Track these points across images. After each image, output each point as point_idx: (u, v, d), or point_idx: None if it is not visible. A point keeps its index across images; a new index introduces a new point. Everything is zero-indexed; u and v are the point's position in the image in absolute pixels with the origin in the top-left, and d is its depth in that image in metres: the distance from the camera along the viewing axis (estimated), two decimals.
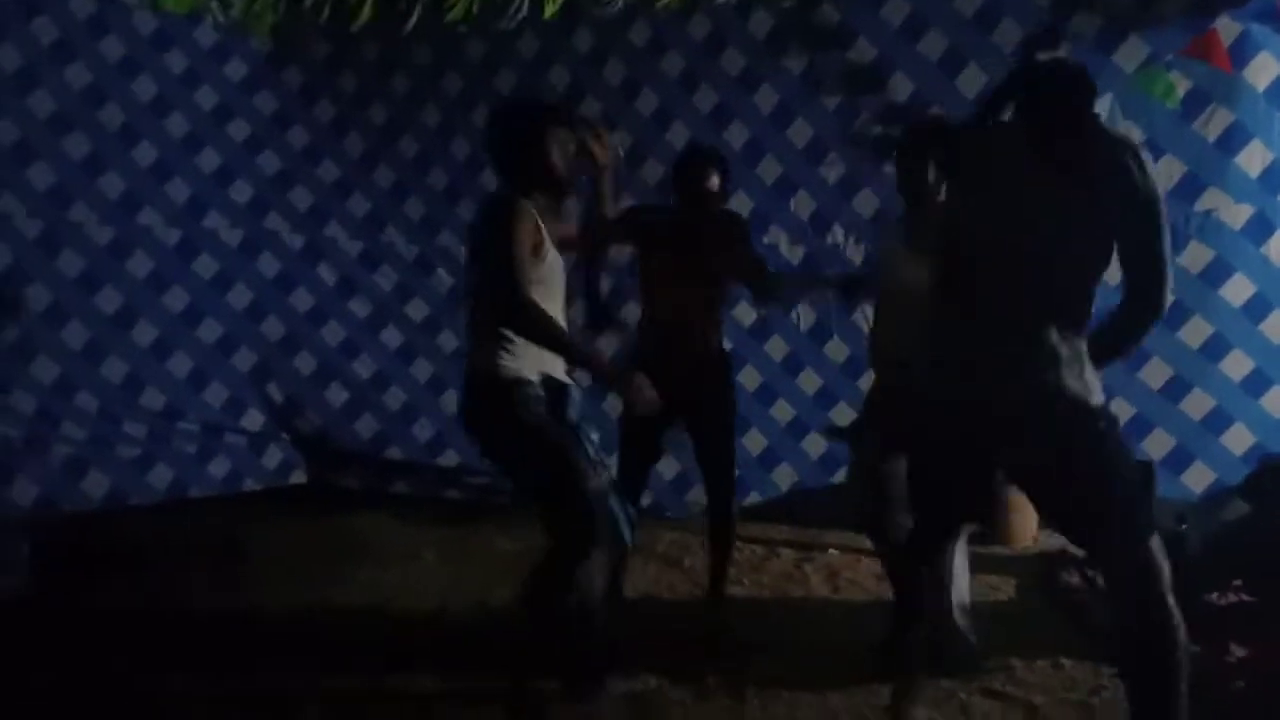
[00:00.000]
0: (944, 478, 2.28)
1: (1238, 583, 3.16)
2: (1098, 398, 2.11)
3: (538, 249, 2.50)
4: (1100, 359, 2.15)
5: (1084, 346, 2.12)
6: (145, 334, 4.61)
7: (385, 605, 3.55)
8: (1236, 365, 3.74)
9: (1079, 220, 2.08)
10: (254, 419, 4.88)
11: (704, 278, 3.25)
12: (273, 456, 4.92)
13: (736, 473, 4.20)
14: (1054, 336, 2.08)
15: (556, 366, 2.61)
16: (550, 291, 2.55)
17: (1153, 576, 2.06)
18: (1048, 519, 2.34)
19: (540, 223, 2.53)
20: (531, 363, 2.54)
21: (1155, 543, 2.08)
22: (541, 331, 2.46)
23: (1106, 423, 2.13)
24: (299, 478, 4.95)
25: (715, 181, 3.25)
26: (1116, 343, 2.20)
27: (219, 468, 4.78)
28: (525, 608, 2.57)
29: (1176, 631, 2.05)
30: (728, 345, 3.67)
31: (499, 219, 2.47)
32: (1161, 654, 2.05)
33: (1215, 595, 3.15)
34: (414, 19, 4.01)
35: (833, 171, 4.22)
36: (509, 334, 2.50)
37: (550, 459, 2.50)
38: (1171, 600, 2.06)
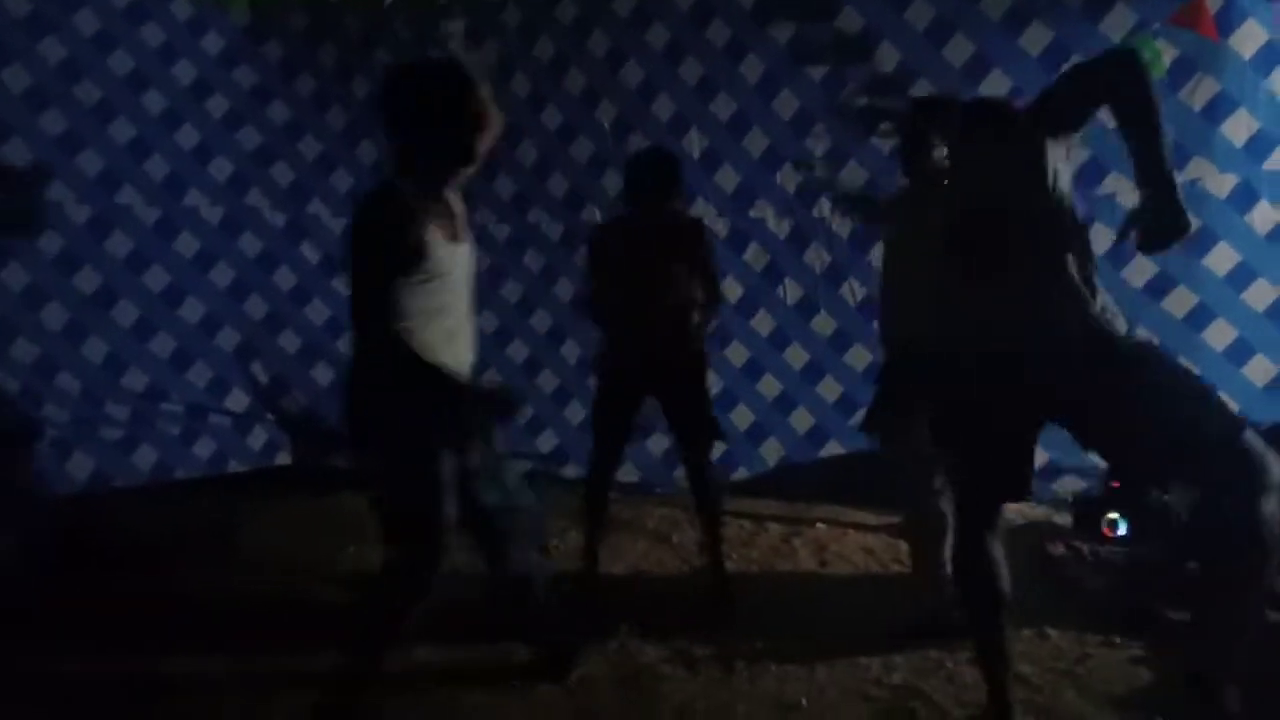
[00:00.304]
0: (989, 447, 2.23)
1: None
2: (1123, 323, 2.15)
3: (418, 248, 2.21)
4: (1155, 190, 2.13)
5: (1095, 283, 2.16)
6: (126, 314, 4.56)
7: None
8: (1220, 334, 3.77)
9: (1029, 159, 2.19)
10: (238, 399, 4.85)
11: (669, 271, 3.27)
12: (258, 437, 4.90)
13: (726, 448, 4.24)
14: (1065, 273, 2.14)
15: (463, 364, 2.36)
16: (445, 285, 2.29)
17: (1256, 473, 1.93)
18: (1116, 456, 2.27)
19: (427, 215, 2.25)
20: (445, 358, 2.28)
21: (1249, 437, 1.97)
22: (384, 348, 2.21)
23: (1143, 342, 2.17)
24: (284, 459, 4.93)
25: (668, 183, 3.30)
26: (1146, 154, 2.18)
27: (204, 449, 4.75)
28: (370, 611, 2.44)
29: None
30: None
31: (358, 224, 2.23)
32: (1256, 559, 1.95)
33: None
34: None
35: (820, 143, 4.20)
36: (423, 324, 2.26)
37: (411, 476, 2.26)
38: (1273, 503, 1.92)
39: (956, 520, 2.38)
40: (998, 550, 2.31)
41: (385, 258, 2.19)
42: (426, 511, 2.28)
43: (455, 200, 2.40)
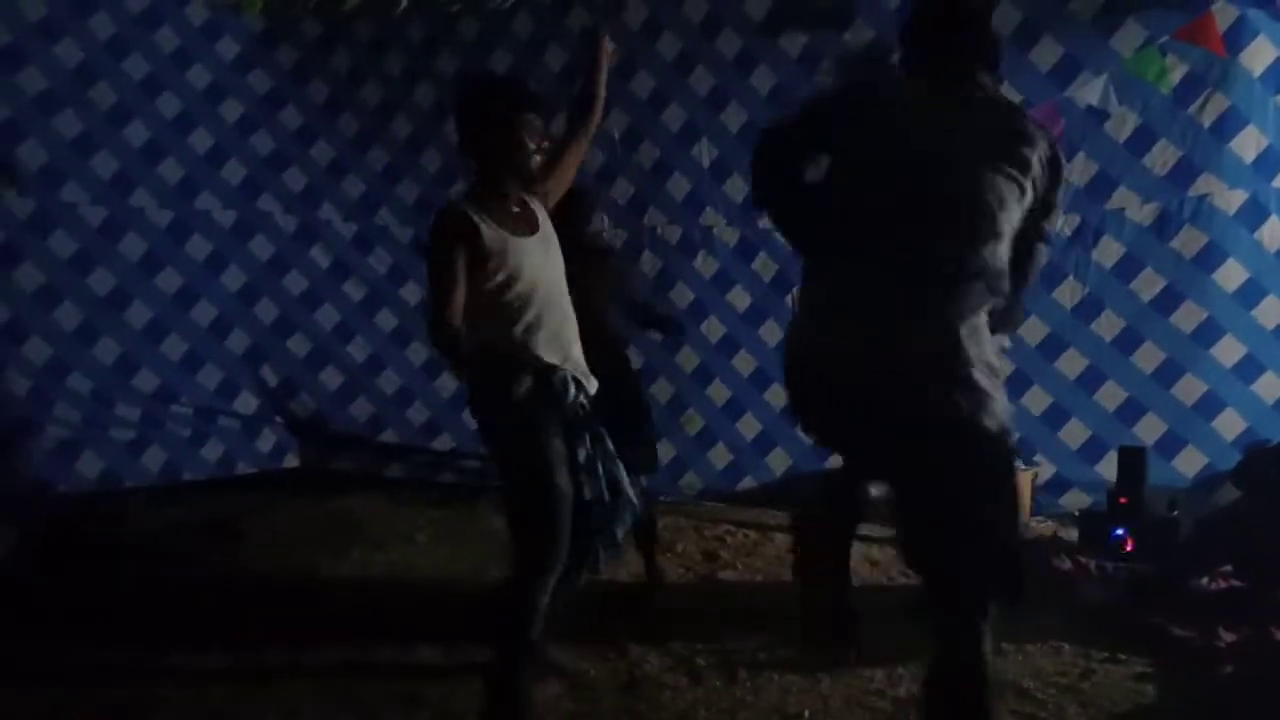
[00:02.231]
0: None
1: (1227, 568, 3.18)
2: (989, 391, 1.85)
3: (480, 258, 2.32)
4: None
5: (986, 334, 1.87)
6: (138, 316, 4.59)
7: (379, 587, 3.56)
8: (1229, 350, 3.76)
9: (991, 171, 1.84)
10: (247, 402, 4.87)
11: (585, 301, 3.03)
12: (266, 440, 4.92)
13: (733, 457, 4.24)
14: (960, 311, 1.83)
15: (570, 356, 2.46)
16: (521, 279, 2.37)
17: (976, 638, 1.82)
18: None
19: (489, 218, 2.35)
20: (539, 349, 2.40)
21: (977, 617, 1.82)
22: (446, 353, 2.33)
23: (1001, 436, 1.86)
24: (292, 461, 4.96)
25: (586, 212, 3.27)
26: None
27: (212, 451, 4.78)
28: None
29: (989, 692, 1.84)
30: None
31: (432, 237, 2.36)
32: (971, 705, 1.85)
33: (1205, 580, 3.17)
34: None
35: None
36: (509, 319, 2.39)
37: (526, 462, 2.35)
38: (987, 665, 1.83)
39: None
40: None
41: (446, 258, 2.29)
42: (540, 491, 2.34)
43: (529, 200, 2.50)
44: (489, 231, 2.36)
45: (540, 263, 2.45)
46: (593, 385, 2.49)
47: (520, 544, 2.39)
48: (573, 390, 2.41)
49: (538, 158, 2.45)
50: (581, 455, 2.41)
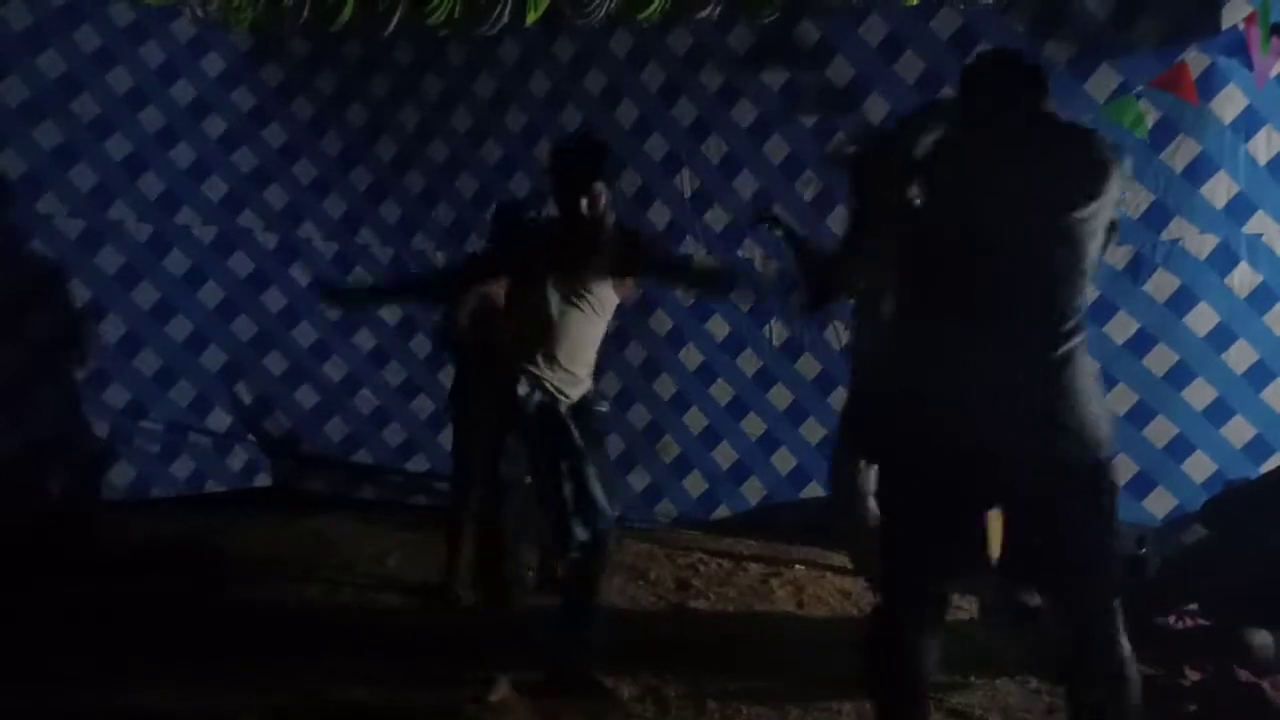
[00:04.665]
0: (926, 516, 1.93)
1: (1193, 607, 3.20)
2: (1106, 431, 1.90)
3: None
4: None
5: (1087, 364, 1.89)
6: (113, 329, 4.55)
7: (347, 610, 3.53)
8: (1199, 394, 3.80)
9: (1072, 210, 1.83)
10: (220, 419, 4.82)
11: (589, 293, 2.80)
12: (238, 458, 4.87)
13: (708, 486, 4.23)
14: (1064, 351, 1.85)
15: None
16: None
17: (1113, 624, 1.93)
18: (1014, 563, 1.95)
19: None
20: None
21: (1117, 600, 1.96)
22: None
23: (1110, 469, 1.92)
24: (264, 480, 4.90)
25: (599, 188, 2.79)
26: None
27: (182, 468, 4.72)
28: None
29: (1130, 665, 1.94)
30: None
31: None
32: (1119, 690, 1.93)
33: (1171, 619, 3.19)
34: (395, 21, 4.01)
35: (808, 189, 4.25)
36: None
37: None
38: (1124, 639, 1.93)
39: (882, 608, 2.12)
40: (927, 653, 2.01)
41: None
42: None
43: None
44: None
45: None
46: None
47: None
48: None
49: None
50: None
